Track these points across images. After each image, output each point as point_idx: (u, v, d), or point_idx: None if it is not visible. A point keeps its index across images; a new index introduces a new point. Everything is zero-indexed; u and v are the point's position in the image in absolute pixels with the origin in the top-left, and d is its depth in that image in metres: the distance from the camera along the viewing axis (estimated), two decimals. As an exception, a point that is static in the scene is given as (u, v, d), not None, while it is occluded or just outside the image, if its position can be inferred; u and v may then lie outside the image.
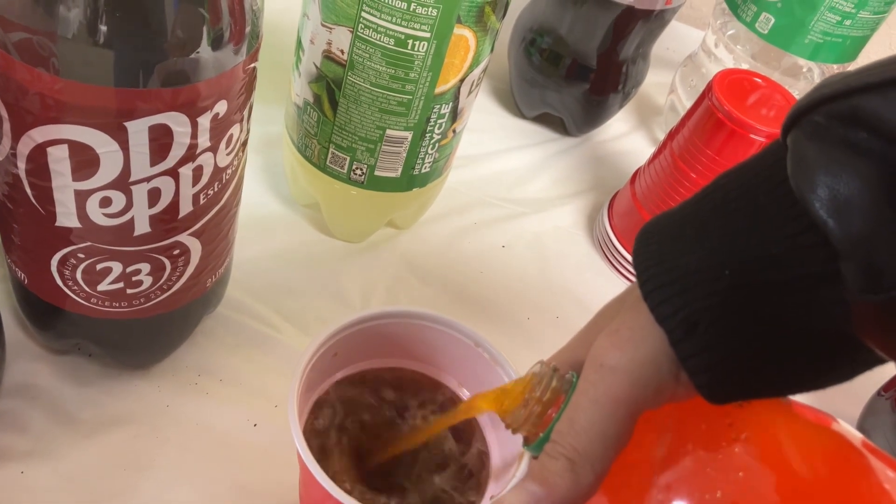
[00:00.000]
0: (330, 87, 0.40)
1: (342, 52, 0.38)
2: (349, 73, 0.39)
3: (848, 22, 0.51)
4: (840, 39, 0.52)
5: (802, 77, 0.59)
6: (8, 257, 0.34)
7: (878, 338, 0.23)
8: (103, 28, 0.25)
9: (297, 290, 0.45)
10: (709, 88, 0.45)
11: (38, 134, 0.27)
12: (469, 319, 0.48)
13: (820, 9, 0.50)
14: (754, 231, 0.24)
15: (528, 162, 0.59)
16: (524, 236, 0.54)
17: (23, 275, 0.34)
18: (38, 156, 0.28)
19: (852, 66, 0.59)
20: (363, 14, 0.36)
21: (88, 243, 0.31)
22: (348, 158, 0.42)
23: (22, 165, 0.29)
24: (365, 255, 0.48)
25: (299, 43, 0.41)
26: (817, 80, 0.60)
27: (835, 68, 0.59)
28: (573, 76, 0.58)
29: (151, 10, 0.25)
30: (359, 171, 0.43)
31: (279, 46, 0.50)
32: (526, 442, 0.28)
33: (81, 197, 0.29)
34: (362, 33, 0.37)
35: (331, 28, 0.38)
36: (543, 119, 0.62)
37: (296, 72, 0.42)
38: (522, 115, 0.62)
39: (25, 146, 0.28)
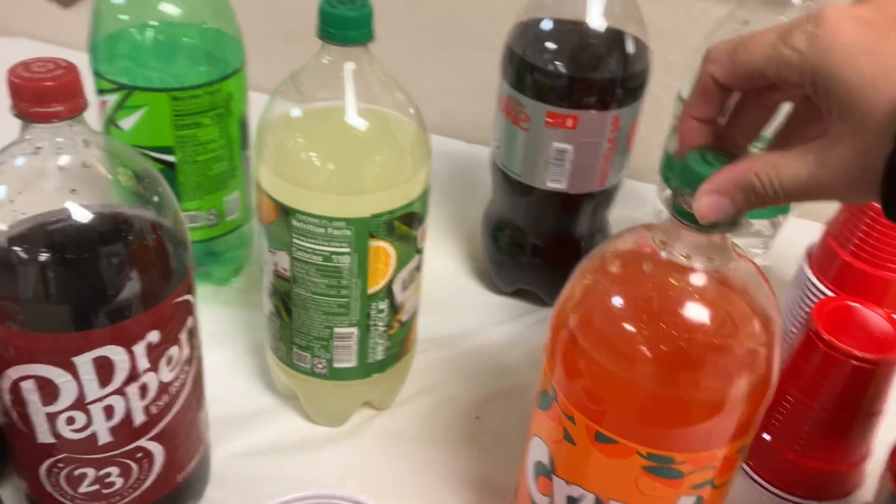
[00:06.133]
0: (283, 298, 0.48)
1: (286, 270, 0.46)
2: (294, 287, 0.46)
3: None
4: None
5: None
6: (16, 472, 0.42)
7: None
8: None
9: (278, 481, 0.50)
10: (809, 319, 0.49)
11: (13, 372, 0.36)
12: (436, 492, 0.52)
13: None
14: None
15: (506, 335, 0.64)
16: (501, 406, 0.58)
17: (25, 484, 0.41)
18: (15, 389, 0.36)
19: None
20: (294, 240, 0.44)
21: (65, 454, 0.38)
22: (308, 355, 0.49)
23: (6, 397, 0.37)
24: (344, 439, 0.54)
25: (262, 268, 0.49)
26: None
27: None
28: (537, 255, 0.64)
29: (86, 273, 0.34)
30: (320, 366, 0.49)
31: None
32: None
33: (51, 418, 0.37)
34: (296, 255, 0.45)
35: (275, 252, 0.46)
36: (521, 293, 0.67)
37: (263, 289, 0.50)
38: (501, 292, 0.68)
39: (5, 382, 0.36)
